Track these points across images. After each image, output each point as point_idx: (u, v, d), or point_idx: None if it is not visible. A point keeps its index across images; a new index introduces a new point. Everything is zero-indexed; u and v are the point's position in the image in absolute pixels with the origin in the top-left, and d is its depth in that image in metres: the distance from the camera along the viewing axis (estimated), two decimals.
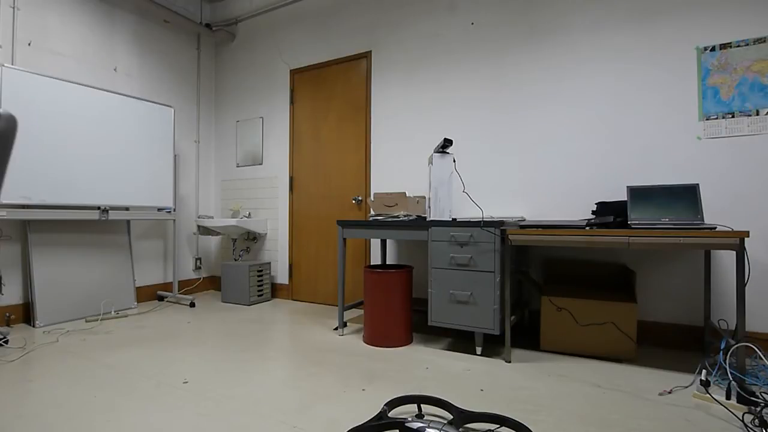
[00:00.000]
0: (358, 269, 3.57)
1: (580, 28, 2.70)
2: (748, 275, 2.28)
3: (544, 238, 2.12)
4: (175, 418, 1.60)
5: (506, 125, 2.94)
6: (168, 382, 1.95)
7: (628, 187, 2.21)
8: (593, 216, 2.36)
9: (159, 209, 3.65)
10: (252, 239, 4.21)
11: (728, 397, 1.71)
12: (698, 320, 2.39)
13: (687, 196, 2.08)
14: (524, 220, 2.75)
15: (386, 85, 3.44)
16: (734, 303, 2.31)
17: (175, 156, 3.81)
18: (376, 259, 3.48)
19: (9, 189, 2.67)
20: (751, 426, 1.51)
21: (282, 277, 4.00)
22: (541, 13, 2.83)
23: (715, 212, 2.35)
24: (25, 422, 1.57)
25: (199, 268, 4.38)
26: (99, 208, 3.20)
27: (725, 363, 1.80)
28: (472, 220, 2.37)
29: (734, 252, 2.21)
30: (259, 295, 3.81)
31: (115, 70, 3.63)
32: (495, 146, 2.98)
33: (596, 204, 2.35)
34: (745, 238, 1.75)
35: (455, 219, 2.46)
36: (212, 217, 4.04)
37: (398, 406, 1.62)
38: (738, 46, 2.30)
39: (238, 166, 4.36)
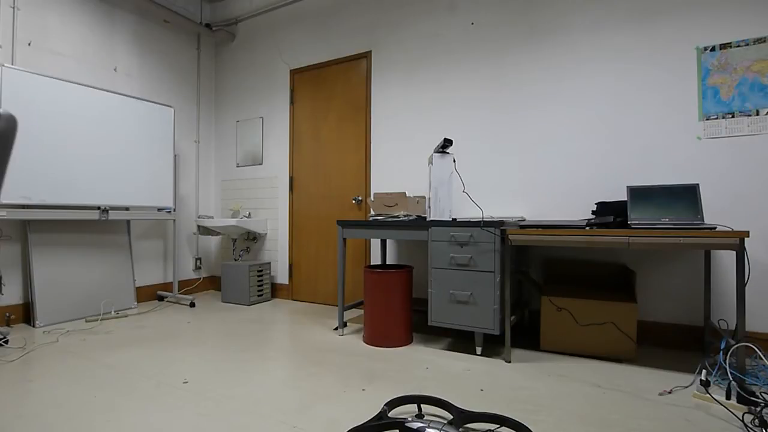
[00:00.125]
0: (358, 269, 3.57)
1: (580, 28, 2.70)
2: (748, 275, 2.28)
3: (544, 238, 2.12)
4: (175, 418, 1.60)
5: (506, 125, 2.94)
6: (168, 382, 1.95)
7: (628, 187, 2.21)
8: (593, 216, 2.36)
9: (159, 209, 3.65)
10: (252, 239, 4.21)
11: (728, 397, 1.71)
12: (698, 320, 2.39)
13: (687, 196, 2.08)
14: (524, 220, 2.76)
15: (386, 85, 3.44)
16: (734, 303, 2.31)
17: (175, 156, 3.81)
18: (376, 259, 3.48)
19: (9, 189, 2.67)
20: (751, 426, 1.51)
21: (282, 277, 4.00)
22: (541, 13, 2.83)
23: (715, 212, 2.35)
24: (25, 422, 1.57)
25: (199, 268, 4.38)
26: (99, 208, 3.20)
27: (725, 363, 1.80)
28: (472, 220, 2.37)
29: (734, 252, 2.21)
30: (259, 295, 3.81)
31: (115, 70, 3.63)
32: (495, 146, 2.98)
33: (596, 204, 2.35)
34: (745, 238, 1.75)
35: (455, 219, 2.46)
36: (212, 217, 4.04)
37: (398, 406, 1.62)
38: (738, 46, 2.30)
39: (238, 166, 4.36)
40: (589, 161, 2.68)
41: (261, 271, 3.84)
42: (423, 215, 2.83)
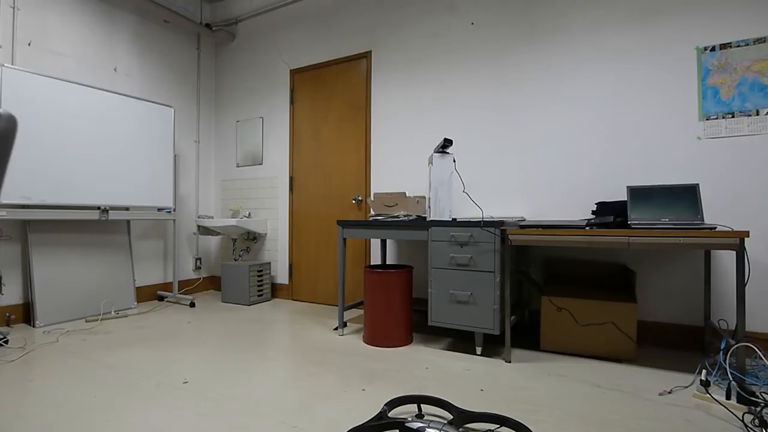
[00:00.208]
0: (358, 269, 3.57)
1: (580, 28, 2.70)
2: (748, 275, 2.28)
3: (544, 238, 2.12)
4: (175, 418, 1.60)
5: (506, 125, 2.94)
6: (168, 382, 1.95)
7: (628, 187, 2.21)
8: (593, 216, 2.36)
9: (159, 209, 3.65)
10: (252, 239, 4.21)
11: (728, 397, 1.71)
12: (698, 320, 2.39)
13: (687, 196, 2.08)
14: (524, 220, 2.76)
15: (386, 85, 3.44)
16: (734, 303, 2.31)
17: (175, 156, 3.81)
18: (376, 259, 3.48)
19: (9, 189, 2.67)
20: (751, 426, 1.51)
21: (282, 277, 4.00)
22: (541, 13, 2.83)
23: (715, 212, 2.35)
24: (25, 422, 1.57)
25: (199, 268, 4.38)
26: (99, 208, 3.20)
27: (725, 363, 1.80)
28: (472, 220, 2.37)
29: (734, 252, 2.21)
30: (259, 295, 3.81)
31: (115, 70, 3.63)
32: (495, 146, 2.98)
33: (596, 204, 2.35)
34: (745, 238, 1.75)
35: (455, 219, 2.46)
36: (212, 217, 4.04)
37: (398, 406, 1.62)
38: (738, 46, 2.30)
39: (238, 166, 4.36)
40: (589, 161, 2.68)
41: (261, 271, 3.84)
42: (423, 215, 2.83)
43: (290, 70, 3.98)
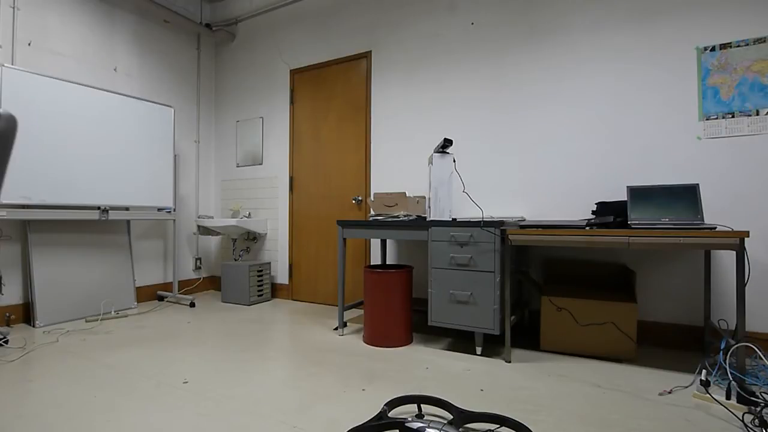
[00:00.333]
0: (358, 269, 3.57)
1: (580, 28, 2.70)
2: (748, 275, 2.28)
3: (544, 238, 2.12)
4: (175, 418, 1.60)
5: (506, 125, 2.94)
6: (168, 382, 1.95)
7: (628, 187, 2.21)
8: (593, 216, 2.36)
9: (159, 209, 3.65)
10: (252, 239, 4.21)
11: (728, 397, 1.71)
12: (698, 320, 2.39)
13: (687, 196, 2.08)
14: (524, 220, 2.76)
15: (386, 85, 3.44)
16: (734, 303, 2.31)
17: (175, 156, 3.81)
18: (376, 259, 3.48)
19: (9, 189, 2.67)
20: (751, 426, 1.51)
21: (282, 277, 4.00)
22: (541, 13, 2.83)
23: (715, 212, 2.35)
24: (25, 422, 1.57)
25: (199, 268, 4.38)
26: (99, 208, 3.20)
27: (725, 363, 1.80)
28: (472, 220, 2.37)
29: (734, 252, 2.21)
30: (259, 295, 3.81)
31: (115, 70, 3.63)
32: (495, 146, 2.98)
33: (596, 204, 2.35)
34: (745, 238, 1.75)
35: (455, 219, 2.46)
36: (212, 217, 4.04)
37: (398, 406, 1.62)
38: (738, 46, 2.30)
39: (238, 166, 4.36)
40: (589, 161, 2.68)
41: (261, 271, 3.84)
42: (423, 215, 2.83)
43: (290, 70, 3.98)
